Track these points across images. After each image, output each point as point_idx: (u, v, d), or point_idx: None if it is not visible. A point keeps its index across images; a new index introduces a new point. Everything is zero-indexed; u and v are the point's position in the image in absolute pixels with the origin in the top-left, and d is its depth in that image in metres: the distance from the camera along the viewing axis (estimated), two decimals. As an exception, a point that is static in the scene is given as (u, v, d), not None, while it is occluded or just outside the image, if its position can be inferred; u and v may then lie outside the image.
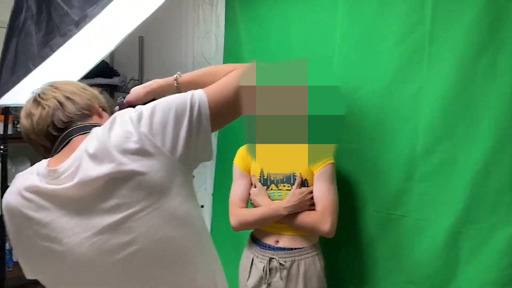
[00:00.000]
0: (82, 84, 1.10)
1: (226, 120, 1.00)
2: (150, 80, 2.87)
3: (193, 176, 0.99)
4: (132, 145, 0.84)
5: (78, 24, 1.36)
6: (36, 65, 1.37)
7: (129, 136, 0.85)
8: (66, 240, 0.86)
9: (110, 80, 2.92)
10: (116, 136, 0.86)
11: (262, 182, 1.67)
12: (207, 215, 2.47)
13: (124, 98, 1.24)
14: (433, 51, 1.61)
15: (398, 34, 1.69)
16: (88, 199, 0.85)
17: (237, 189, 1.72)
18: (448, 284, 1.62)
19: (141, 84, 2.86)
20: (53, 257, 0.89)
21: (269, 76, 1.08)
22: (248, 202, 1.72)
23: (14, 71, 1.39)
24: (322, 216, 1.55)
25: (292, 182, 1.62)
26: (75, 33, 1.37)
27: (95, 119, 1.03)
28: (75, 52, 1.49)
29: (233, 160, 2.31)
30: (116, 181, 0.83)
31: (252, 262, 1.68)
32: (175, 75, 1.16)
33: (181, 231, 0.89)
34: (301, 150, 1.49)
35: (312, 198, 1.59)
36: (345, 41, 1.84)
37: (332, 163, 1.61)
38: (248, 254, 1.72)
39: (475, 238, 1.56)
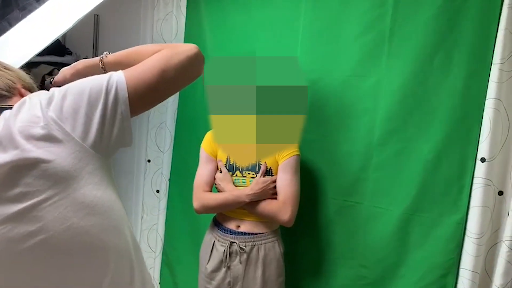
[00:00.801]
0: (4, 63, 1.04)
1: (148, 104, 0.94)
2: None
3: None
4: (38, 130, 0.80)
5: (39, -1, 1.30)
6: (-9, 40, 1.30)
7: (35, 121, 0.80)
8: None
9: (62, 59, 2.77)
10: (22, 121, 0.81)
11: (228, 167, 1.69)
12: (163, 200, 2.45)
13: (53, 79, 1.19)
14: (392, 46, 1.68)
15: (359, 29, 1.74)
16: None
17: (203, 172, 1.73)
18: (398, 267, 1.73)
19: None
20: None
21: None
22: (213, 186, 1.73)
23: (-33, 46, 1.31)
24: (283, 205, 1.58)
25: (257, 170, 1.64)
26: (35, 8, 1.30)
27: (15, 100, 0.96)
28: (31, 26, 1.42)
29: (189, 145, 2.31)
30: (20, 168, 0.79)
31: (213, 246, 1.70)
32: (101, 56, 1.08)
33: (90, 219, 0.85)
34: (267, 138, 1.50)
35: (275, 187, 1.62)
36: (308, 33, 1.87)
37: (297, 154, 1.63)
38: (209, 238, 1.74)
39: (424, 225, 1.67)
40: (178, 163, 2.39)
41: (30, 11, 1.30)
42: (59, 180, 0.81)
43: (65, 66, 2.87)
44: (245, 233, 1.64)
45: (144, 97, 0.90)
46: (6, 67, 1.01)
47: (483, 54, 1.53)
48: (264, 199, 1.60)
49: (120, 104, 0.85)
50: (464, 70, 1.56)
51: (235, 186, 1.66)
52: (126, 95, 0.86)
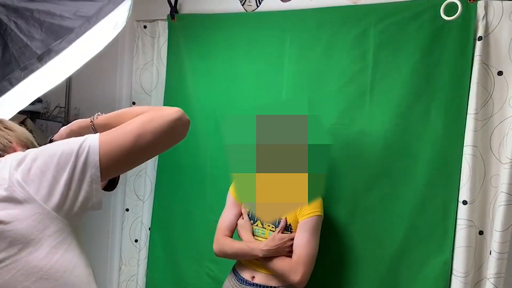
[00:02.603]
0: (8, 123, 1.08)
1: (122, 167, 0.94)
2: (79, 108, 2.74)
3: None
4: (1, 192, 0.82)
5: (42, 59, 1.29)
6: (-8, 99, 1.27)
7: (0, 183, 0.83)
8: None
9: (33, 107, 2.72)
10: None
11: (250, 216, 1.71)
12: (143, 250, 2.40)
13: (52, 137, 1.21)
14: (374, 97, 1.80)
15: (342, 80, 1.85)
16: None
17: (227, 217, 1.75)
18: (389, 309, 1.78)
19: (67, 111, 2.72)
20: None
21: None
22: (234, 231, 1.75)
23: (-35, 105, 1.28)
24: (296, 265, 1.55)
25: (277, 224, 1.65)
26: (38, 68, 1.29)
27: None
28: (29, 85, 1.41)
29: (171, 193, 2.29)
30: None
31: None
32: (93, 116, 1.10)
33: (42, 284, 0.83)
34: (290, 195, 1.50)
35: (292, 245, 1.60)
36: (292, 84, 1.96)
37: (319, 215, 1.62)
38: (227, 285, 1.74)
39: (412, 266, 1.75)
40: (160, 212, 2.36)
41: (32, 71, 1.30)
42: (14, 242, 0.81)
43: (36, 114, 2.81)
44: (260, 285, 1.64)
45: (117, 161, 0.90)
46: (6, 127, 1.04)
47: (459, 105, 1.67)
48: (278, 256, 1.59)
49: (90, 168, 0.86)
50: (442, 119, 1.69)
51: (254, 235, 1.68)
52: (97, 158, 0.87)
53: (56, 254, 0.85)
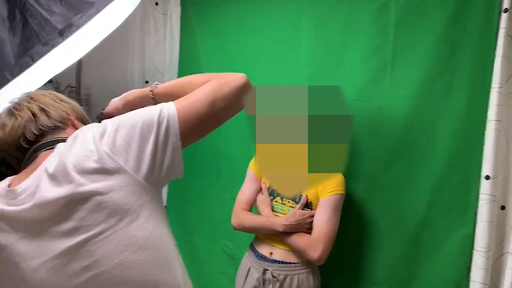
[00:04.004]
0: (60, 95, 1.06)
1: (198, 135, 0.95)
2: (90, 87, 2.72)
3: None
4: (92, 164, 0.81)
5: (63, 33, 1.27)
6: (14, 75, 1.24)
7: (89, 155, 0.82)
8: (23, 264, 0.82)
9: (42, 87, 2.69)
10: (76, 155, 0.82)
11: (269, 191, 1.71)
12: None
13: (103, 110, 1.19)
14: (395, 72, 1.77)
15: (362, 56, 1.82)
16: (45, 221, 0.82)
17: (246, 190, 1.75)
18: (408, 284, 1.79)
19: (78, 91, 2.70)
20: (12, 281, 0.84)
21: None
22: (253, 206, 1.74)
23: (-13, 81, 1.26)
24: (315, 242, 1.55)
25: (297, 200, 1.65)
26: (59, 42, 1.27)
27: (68, 132, 0.98)
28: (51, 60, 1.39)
29: (187, 171, 2.28)
30: (75, 203, 0.80)
31: (248, 271, 1.70)
32: (151, 86, 1.11)
33: (142, 254, 0.85)
34: (312, 167, 1.48)
35: (311, 222, 1.60)
36: (310, 60, 1.93)
37: (341, 194, 1.62)
38: (245, 262, 1.74)
39: (433, 241, 1.74)
40: (175, 191, 2.36)
41: (54, 46, 1.27)
42: (112, 213, 0.82)
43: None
44: (278, 261, 1.64)
45: (194, 128, 0.91)
46: (61, 99, 1.02)
47: (482, 79, 1.64)
48: (298, 232, 1.59)
49: (171, 136, 0.87)
50: (465, 93, 1.67)
51: (273, 211, 1.67)
52: (177, 127, 0.87)
53: (150, 224, 0.86)
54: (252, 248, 1.75)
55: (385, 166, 1.80)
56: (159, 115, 0.87)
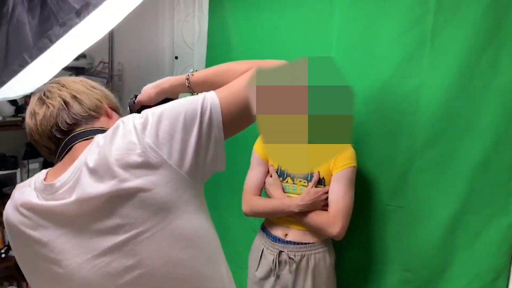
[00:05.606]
0: (91, 82, 1.01)
1: (239, 128, 0.89)
2: (122, 63, 2.71)
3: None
4: (135, 158, 0.76)
5: (80, 13, 1.22)
6: (33, 57, 1.21)
7: (132, 148, 0.77)
8: (66, 263, 0.79)
9: (76, 62, 2.70)
10: (118, 149, 0.77)
11: (278, 173, 1.66)
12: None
13: (135, 97, 1.15)
14: (435, 46, 1.63)
15: (399, 29, 1.69)
16: (87, 218, 0.78)
17: (254, 176, 1.70)
18: (444, 271, 1.70)
19: (111, 66, 2.70)
20: (53, 279, 0.82)
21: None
22: (262, 190, 1.70)
23: (7, 64, 1.24)
24: (334, 218, 1.53)
25: (309, 178, 1.60)
26: (76, 23, 1.22)
27: (102, 121, 0.95)
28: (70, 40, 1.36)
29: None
30: (118, 199, 0.76)
31: (262, 253, 1.67)
32: (187, 74, 1.04)
33: (189, 252, 0.81)
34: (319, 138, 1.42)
35: (326, 198, 1.57)
36: (343, 33, 1.82)
37: (354, 166, 1.58)
38: (258, 244, 1.71)
39: (472, 228, 1.63)
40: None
41: (71, 27, 1.23)
42: (157, 210, 0.77)
43: (80, 70, 2.79)
44: (294, 242, 1.60)
45: (236, 120, 0.85)
46: (93, 86, 0.98)
47: (533, 54, 1.48)
48: (314, 210, 1.55)
49: (214, 128, 0.81)
50: (513, 70, 1.52)
51: (285, 192, 1.62)
52: (220, 118, 0.82)
53: (195, 220, 0.82)
54: (264, 230, 1.71)
55: (421, 148, 1.69)
56: (202, 106, 0.81)
